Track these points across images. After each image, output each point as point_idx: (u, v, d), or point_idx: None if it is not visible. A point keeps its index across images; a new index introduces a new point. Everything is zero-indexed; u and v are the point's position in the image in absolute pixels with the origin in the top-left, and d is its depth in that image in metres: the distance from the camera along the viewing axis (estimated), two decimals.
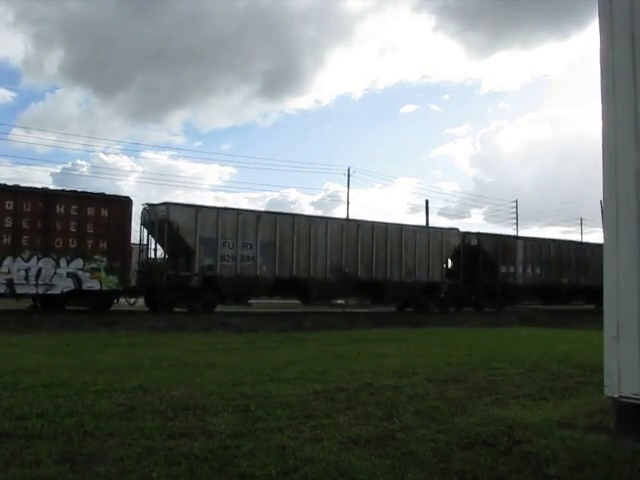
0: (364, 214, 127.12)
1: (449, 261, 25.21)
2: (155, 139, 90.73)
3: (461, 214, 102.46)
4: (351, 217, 33.76)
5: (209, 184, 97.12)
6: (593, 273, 28.08)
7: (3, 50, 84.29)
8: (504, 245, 26.14)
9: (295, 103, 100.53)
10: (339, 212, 53.54)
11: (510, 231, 50.05)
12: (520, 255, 26.39)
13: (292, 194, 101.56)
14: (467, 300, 25.38)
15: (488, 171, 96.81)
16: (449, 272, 24.88)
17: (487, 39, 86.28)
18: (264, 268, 19.96)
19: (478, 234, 26.05)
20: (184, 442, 3.88)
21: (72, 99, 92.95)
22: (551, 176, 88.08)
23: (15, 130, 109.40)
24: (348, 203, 47.54)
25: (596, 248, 29.15)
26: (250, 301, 21.16)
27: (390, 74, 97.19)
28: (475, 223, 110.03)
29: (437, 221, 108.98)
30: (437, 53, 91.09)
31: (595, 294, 28.40)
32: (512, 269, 26.10)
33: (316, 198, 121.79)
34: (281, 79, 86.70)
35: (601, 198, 4.44)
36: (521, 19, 76.79)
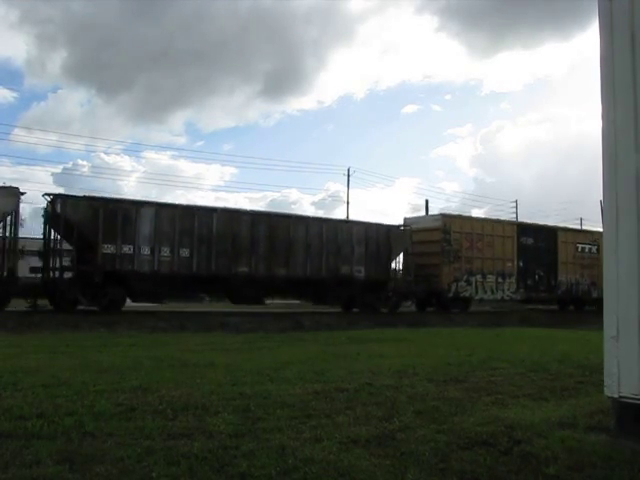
0: (365, 214, 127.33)
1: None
2: (157, 139, 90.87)
3: (462, 214, 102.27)
4: (352, 218, 29.82)
5: (210, 184, 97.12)
6: (300, 261, 20.31)
7: (6, 50, 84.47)
8: (113, 213, 17.50)
9: (297, 103, 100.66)
10: (340, 212, 53.35)
11: None
12: (147, 229, 18.03)
13: (293, 194, 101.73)
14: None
15: (489, 171, 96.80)
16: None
17: (489, 40, 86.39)
18: None
19: (63, 196, 17.80)
20: (184, 442, 3.87)
21: (74, 99, 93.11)
22: (551, 176, 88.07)
23: (17, 130, 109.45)
24: (348, 203, 47.22)
25: (312, 224, 20.80)
26: None
27: (392, 74, 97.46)
28: None
29: None
30: (439, 53, 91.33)
31: (305, 290, 21.33)
32: (128, 249, 17.69)
33: (317, 198, 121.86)
34: (283, 79, 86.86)
35: (601, 198, 4.45)
36: (523, 20, 76.88)
